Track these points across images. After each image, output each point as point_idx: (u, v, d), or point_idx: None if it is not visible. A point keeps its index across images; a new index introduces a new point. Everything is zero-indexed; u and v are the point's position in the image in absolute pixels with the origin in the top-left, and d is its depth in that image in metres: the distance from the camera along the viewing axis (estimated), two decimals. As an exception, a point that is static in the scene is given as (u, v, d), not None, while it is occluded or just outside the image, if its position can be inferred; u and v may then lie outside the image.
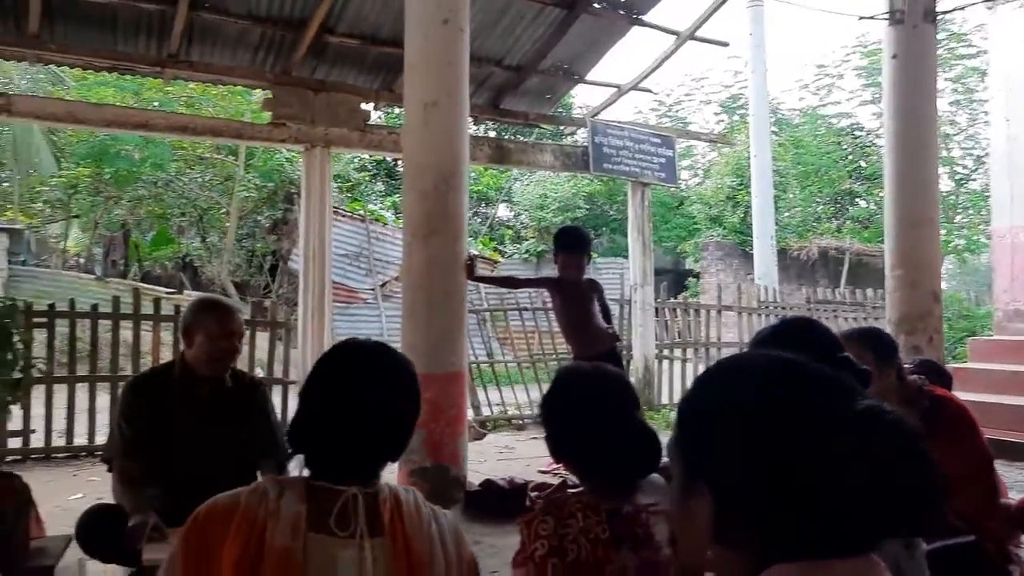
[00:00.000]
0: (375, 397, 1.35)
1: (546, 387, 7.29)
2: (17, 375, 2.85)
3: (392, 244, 15.17)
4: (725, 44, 8.16)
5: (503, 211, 21.18)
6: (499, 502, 4.33)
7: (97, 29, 6.17)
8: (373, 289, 14.97)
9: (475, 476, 4.86)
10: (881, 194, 9.86)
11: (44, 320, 6.09)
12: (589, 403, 1.58)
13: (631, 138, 8.53)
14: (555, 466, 5.90)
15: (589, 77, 8.20)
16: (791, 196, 19.22)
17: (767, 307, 10.28)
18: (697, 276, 18.26)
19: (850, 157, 19.85)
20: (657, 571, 1.38)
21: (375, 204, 17.27)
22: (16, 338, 2.85)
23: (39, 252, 17.91)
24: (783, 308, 10.53)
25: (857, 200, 19.89)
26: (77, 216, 16.71)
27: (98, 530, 2.92)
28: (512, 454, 6.78)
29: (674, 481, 0.86)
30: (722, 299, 9.86)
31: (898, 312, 5.77)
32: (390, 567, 1.27)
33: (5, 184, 17.01)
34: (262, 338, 6.99)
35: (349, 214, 15.04)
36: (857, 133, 20.21)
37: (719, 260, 17.98)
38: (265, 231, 16.39)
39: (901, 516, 0.74)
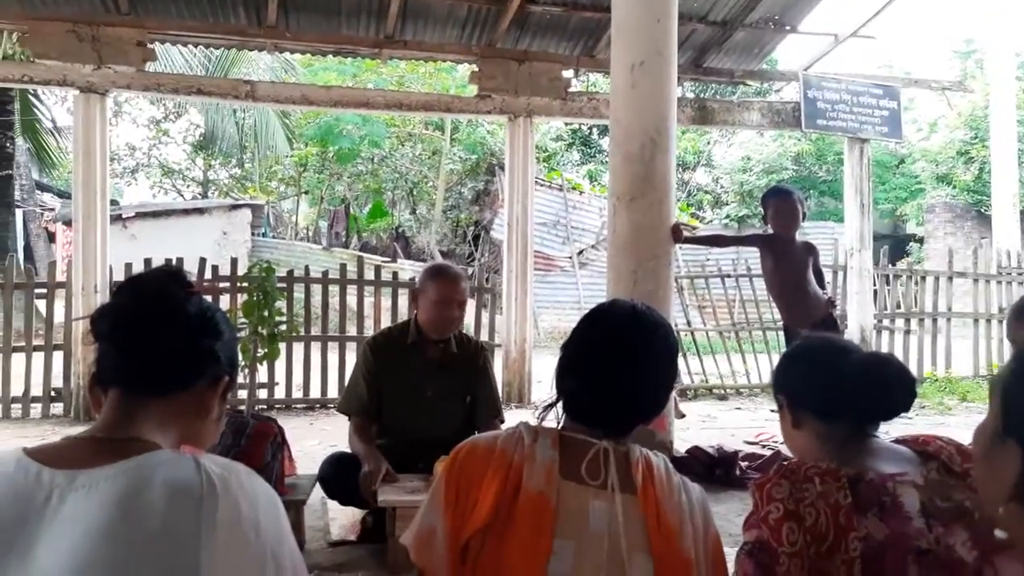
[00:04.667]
0: (636, 356, 1.38)
1: (750, 357, 7.05)
2: (272, 331, 3.22)
3: (588, 212, 15.24)
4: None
5: (702, 175, 20.51)
6: (707, 469, 4.26)
7: (324, 16, 6.71)
8: (570, 257, 15.15)
9: (680, 444, 4.81)
10: None
11: (283, 285, 6.80)
12: (835, 357, 1.51)
13: (848, 90, 7.88)
14: (763, 436, 5.70)
15: (802, 28, 7.67)
16: (1040, 149, 16.85)
17: (1008, 274, 9.15)
18: (920, 241, 16.63)
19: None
20: (907, 542, 1.29)
21: (571, 173, 17.41)
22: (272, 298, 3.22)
23: (275, 225, 19.97)
24: (1029, 275, 9.31)
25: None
26: (306, 192, 18.46)
27: (337, 477, 3.25)
28: (714, 423, 6.62)
29: (987, 425, 0.88)
30: (953, 265, 8.90)
31: None
32: (640, 524, 1.27)
33: (247, 165, 19.16)
34: (468, 304, 7.34)
35: (547, 183, 15.29)
36: None
37: (948, 223, 16.26)
38: (468, 202, 17.10)
39: None
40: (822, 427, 1.46)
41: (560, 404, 1.42)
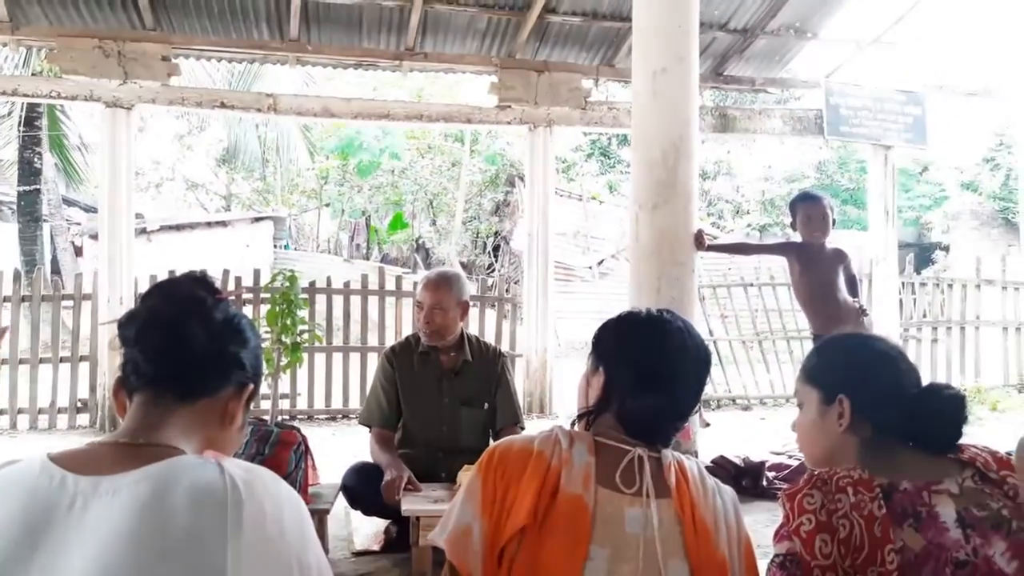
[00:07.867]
0: (698, 371, 1.39)
1: (774, 367, 6.94)
2: (296, 340, 3.23)
3: (607, 222, 15.21)
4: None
5: (722, 185, 20.40)
6: (733, 479, 4.20)
7: (345, 29, 6.76)
8: (590, 267, 15.12)
9: (704, 454, 4.75)
10: None
11: (306, 295, 6.84)
12: (904, 367, 1.48)
13: (872, 97, 7.81)
14: (788, 446, 5.60)
15: (823, 35, 7.62)
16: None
17: (1038, 281, 8.99)
18: (946, 249, 16.41)
19: None
20: (945, 553, 1.25)
21: (590, 183, 17.41)
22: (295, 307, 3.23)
23: (297, 237, 20.13)
24: (1059, 283, 9.13)
25: None
26: (327, 205, 18.58)
27: (360, 485, 3.25)
28: (738, 434, 6.54)
29: None
30: (981, 272, 8.76)
31: None
32: (676, 528, 1.27)
33: (269, 178, 19.36)
34: (489, 315, 7.33)
35: (566, 193, 15.29)
36: None
37: (974, 230, 16.04)
38: (488, 213, 17.14)
39: None
40: (871, 436, 1.42)
41: (595, 412, 1.41)
